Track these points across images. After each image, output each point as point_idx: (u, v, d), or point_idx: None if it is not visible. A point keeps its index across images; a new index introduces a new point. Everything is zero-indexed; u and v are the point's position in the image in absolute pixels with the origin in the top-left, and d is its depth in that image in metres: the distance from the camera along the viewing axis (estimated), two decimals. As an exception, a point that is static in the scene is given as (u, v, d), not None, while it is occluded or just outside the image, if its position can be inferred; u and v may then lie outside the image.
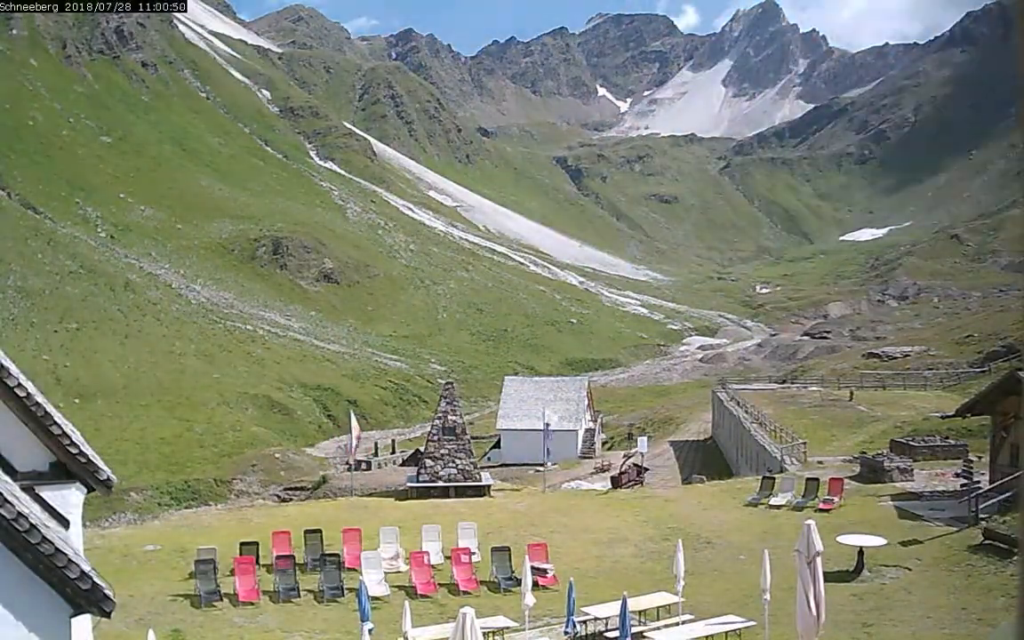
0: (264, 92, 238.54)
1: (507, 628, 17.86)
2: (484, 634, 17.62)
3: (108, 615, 9.95)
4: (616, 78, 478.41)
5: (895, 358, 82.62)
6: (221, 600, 20.45)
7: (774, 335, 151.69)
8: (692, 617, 18.04)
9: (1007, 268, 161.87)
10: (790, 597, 15.63)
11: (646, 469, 46.37)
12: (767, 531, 25.32)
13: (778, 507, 28.63)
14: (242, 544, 23.19)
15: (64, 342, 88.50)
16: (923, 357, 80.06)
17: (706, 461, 55.04)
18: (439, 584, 21.85)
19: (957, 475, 30.07)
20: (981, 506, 24.29)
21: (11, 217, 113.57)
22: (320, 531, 24.71)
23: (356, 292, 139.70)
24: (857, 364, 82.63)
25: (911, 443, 36.04)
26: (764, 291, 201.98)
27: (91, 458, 11.50)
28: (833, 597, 17.00)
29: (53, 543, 9.22)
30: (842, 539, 21.58)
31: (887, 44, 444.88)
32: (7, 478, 9.67)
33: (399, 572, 22.81)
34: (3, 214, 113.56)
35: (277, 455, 67.27)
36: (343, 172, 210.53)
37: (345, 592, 21.15)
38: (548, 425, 37.29)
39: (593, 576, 22.16)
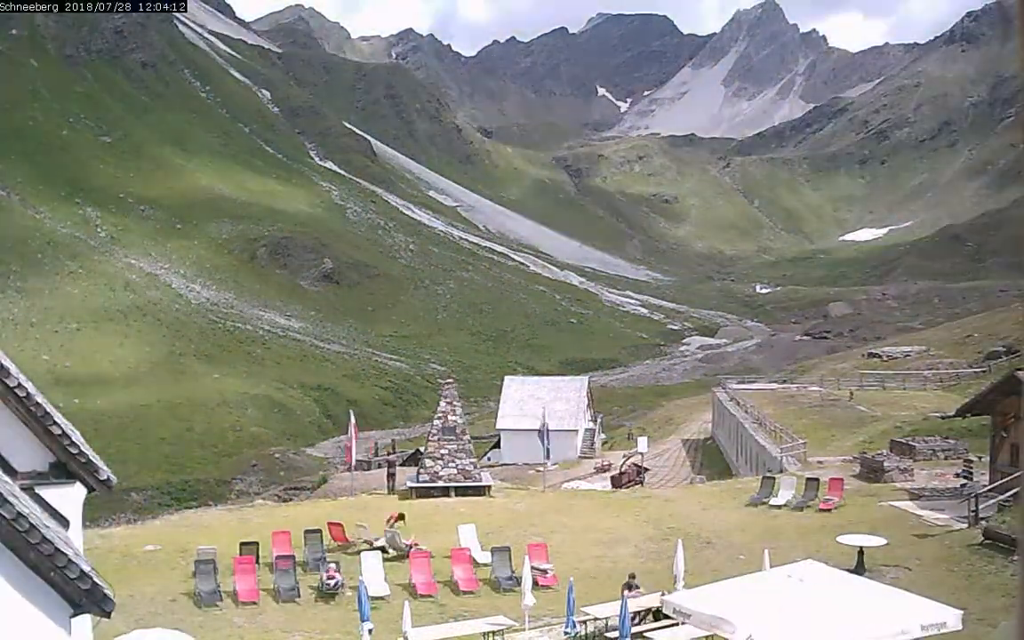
0: (264, 92, 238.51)
1: (507, 628, 17.86)
2: (484, 634, 17.67)
3: (108, 615, 9.96)
4: (616, 78, 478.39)
5: (895, 358, 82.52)
6: (221, 600, 20.44)
7: (774, 335, 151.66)
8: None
9: (1007, 268, 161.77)
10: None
11: (646, 469, 46.37)
12: (767, 531, 25.32)
13: (778, 507, 28.62)
14: (242, 544, 23.17)
15: (64, 342, 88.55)
16: (923, 357, 79.97)
17: (706, 461, 55.04)
18: (439, 583, 21.86)
19: (957, 475, 30.09)
20: (981, 506, 24.29)
21: (11, 217, 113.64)
22: (320, 531, 24.70)
23: (356, 292, 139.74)
24: (857, 364, 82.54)
25: (911, 443, 36.01)
26: (764, 291, 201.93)
27: (91, 458, 11.51)
28: (833, 597, 16.96)
29: (53, 543, 9.23)
30: (842, 539, 21.57)
31: (887, 44, 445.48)
32: (7, 478, 9.67)
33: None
34: (3, 214, 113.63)
35: (277, 455, 67.35)
36: (343, 172, 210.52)
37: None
38: (547, 426, 37.26)
39: (593, 576, 22.15)
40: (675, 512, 29.34)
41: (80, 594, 9.41)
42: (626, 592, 18.50)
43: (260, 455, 67.80)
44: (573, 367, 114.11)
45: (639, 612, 18.25)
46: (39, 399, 10.95)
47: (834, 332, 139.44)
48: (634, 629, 16.99)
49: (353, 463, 37.50)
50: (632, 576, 19.76)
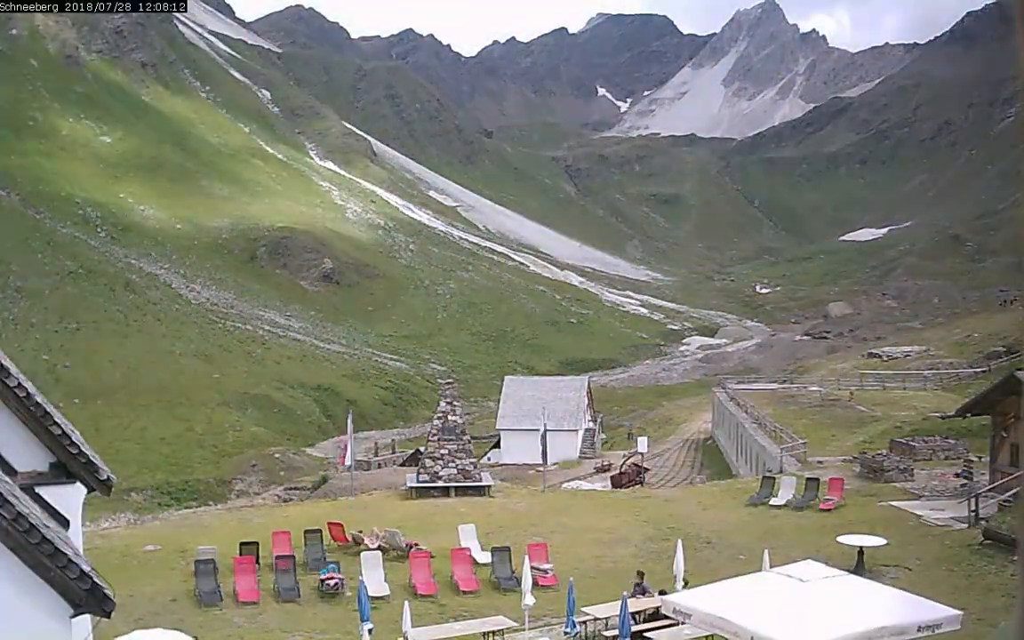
0: (264, 92, 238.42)
1: (507, 628, 17.86)
2: (484, 634, 17.67)
3: (108, 615, 9.97)
4: (616, 78, 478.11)
5: (895, 358, 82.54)
6: (221, 600, 20.45)
7: (774, 335, 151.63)
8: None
9: (1007, 268, 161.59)
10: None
11: (646, 469, 46.42)
12: (767, 531, 25.33)
13: (778, 507, 28.64)
14: (242, 544, 23.19)
15: (64, 342, 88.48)
16: (923, 357, 79.98)
17: (706, 461, 55.06)
18: (439, 583, 21.86)
19: (957, 475, 30.12)
20: (981, 506, 24.31)
21: (11, 217, 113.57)
22: (320, 531, 24.73)
23: (356, 292, 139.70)
24: (857, 364, 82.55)
25: (911, 443, 36.05)
26: (764, 291, 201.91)
27: (91, 458, 11.51)
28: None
29: (53, 543, 9.23)
30: (842, 539, 21.59)
31: (887, 44, 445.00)
32: (7, 478, 9.67)
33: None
34: (3, 214, 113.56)
35: (277, 455, 67.31)
36: (343, 172, 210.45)
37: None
38: (545, 429, 37.35)
39: (593, 576, 22.16)
40: (675, 512, 29.36)
41: (80, 594, 9.42)
42: (631, 591, 18.41)
43: (260, 455, 67.74)
44: (573, 367, 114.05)
45: (640, 612, 18.24)
46: (39, 399, 10.95)
47: (834, 332, 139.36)
48: (634, 628, 16.99)
49: (347, 464, 37.49)
50: (641, 574, 19.71)
